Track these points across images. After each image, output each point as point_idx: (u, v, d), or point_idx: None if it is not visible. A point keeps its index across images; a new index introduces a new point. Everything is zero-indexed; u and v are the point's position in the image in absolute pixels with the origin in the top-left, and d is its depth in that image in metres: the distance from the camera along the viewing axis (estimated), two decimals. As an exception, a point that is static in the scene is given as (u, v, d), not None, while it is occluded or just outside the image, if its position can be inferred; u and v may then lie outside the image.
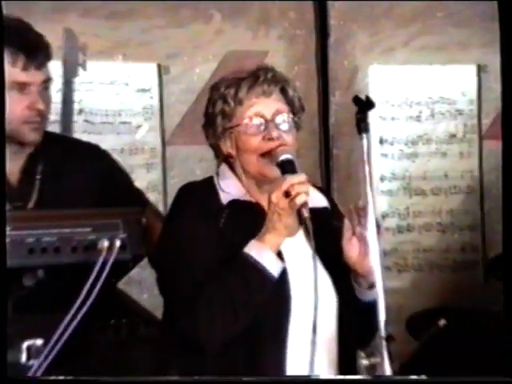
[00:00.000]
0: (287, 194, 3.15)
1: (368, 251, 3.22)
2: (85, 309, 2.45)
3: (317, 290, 3.24)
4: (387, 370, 3.08)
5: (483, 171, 5.71)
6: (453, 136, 5.66)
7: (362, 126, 3.15)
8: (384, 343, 3.08)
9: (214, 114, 3.45)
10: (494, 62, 5.59)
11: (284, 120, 3.40)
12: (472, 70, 5.73)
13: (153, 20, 5.08)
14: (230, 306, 3.23)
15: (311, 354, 3.25)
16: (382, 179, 5.27)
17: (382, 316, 3.11)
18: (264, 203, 3.34)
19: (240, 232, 3.31)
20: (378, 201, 3.34)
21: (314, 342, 3.22)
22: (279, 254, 3.31)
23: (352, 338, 3.54)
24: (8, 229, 2.39)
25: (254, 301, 3.28)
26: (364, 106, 3.16)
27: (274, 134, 3.34)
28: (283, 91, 3.48)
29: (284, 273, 3.32)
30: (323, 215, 3.49)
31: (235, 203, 3.42)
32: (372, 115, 3.23)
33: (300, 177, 3.22)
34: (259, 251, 3.26)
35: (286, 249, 3.35)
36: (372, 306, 3.23)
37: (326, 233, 3.38)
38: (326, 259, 3.44)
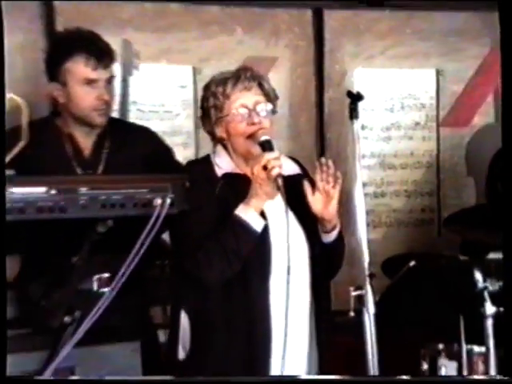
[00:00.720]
0: (265, 168, 3.29)
1: (330, 200, 3.39)
2: (142, 251, 2.50)
3: (289, 240, 3.36)
4: (370, 300, 3.23)
5: (440, 151, 5.79)
6: (417, 124, 5.69)
7: (353, 113, 3.34)
8: (367, 279, 3.24)
9: (208, 108, 3.56)
10: (449, 67, 5.73)
11: (262, 109, 3.50)
12: (432, 73, 5.76)
13: (189, 33, 5.12)
14: (224, 254, 3.34)
15: (286, 290, 3.37)
16: (363, 157, 5.28)
17: (366, 258, 3.26)
18: (250, 175, 3.42)
19: (231, 198, 3.41)
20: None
21: (288, 281, 3.34)
22: (262, 214, 3.40)
23: (321, 273, 3.66)
24: (85, 189, 2.43)
25: (242, 250, 3.38)
26: (355, 98, 3.32)
27: (256, 120, 3.46)
28: (260, 86, 3.57)
29: (266, 228, 3.43)
30: (297, 180, 3.56)
31: (227, 175, 3.52)
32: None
33: (275, 154, 3.35)
34: (245, 212, 3.37)
35: (267, 209, 3.44)
36: (333, 248, 3.56)
37: (299, 193, 3.50)
38: (299, 215, 3.55)
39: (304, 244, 3.58)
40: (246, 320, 3.47)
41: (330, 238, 3.52)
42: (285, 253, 3.42)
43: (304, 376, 3.57)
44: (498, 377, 3.09)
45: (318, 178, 3.42)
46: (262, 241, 3.44)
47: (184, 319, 3.50)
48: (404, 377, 3.19)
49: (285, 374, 3.47)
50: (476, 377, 3.48)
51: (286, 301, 3.43)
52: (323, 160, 3.46)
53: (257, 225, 3.39)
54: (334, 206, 3.43)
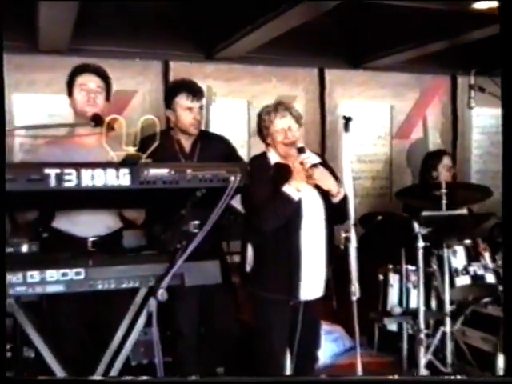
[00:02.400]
0: (301, 163, 3.34)
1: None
2: (221, 209, 2.48)
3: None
4: (353, 239, 3.27)
5: (392, 153, 5.80)
6: (379, 136, 5.71)
7: (346, 128, 3.34)
8: (352, 227, 3.28)
9: (261, 128, 3.58)
10: (397, 104, 5.72)
11: (294, 128, 3.51)
12: (388, 107, 5.77)
13: (244, 81, 5.17)
14: (275, 214, 3.35)
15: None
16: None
17: (352, 215, 3.29)
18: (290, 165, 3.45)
19: (279, 179, 3.41)
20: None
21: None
22: (298, 190, 3.39)
23: (334, 221, 3.62)
24: (189, 171, 2.42)
25: (285, 212, 3.37)
26: (347, 119, 3.33)
27: (289, 135, 3.48)
28: (291, 113, 3.53)
29: (300, 200, 3.43)
30: (318, 165, 3.51)
31: (277, 164, 3.51)
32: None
33: (307, 154, 3.39)
34: (288, 189, 3.36)
35: (303, 188, 3.44)
36: (339, 205, 3.48)
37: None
38: (320, 189, 3.52)
39: (321, 207, 3.55)
40: (286, 252, 3.48)
41: (335, 200, 3.50)
42: (310, 213, 3.50)
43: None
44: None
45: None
46: (297, 206, 3.44)
47: (249, 248, 3.55)
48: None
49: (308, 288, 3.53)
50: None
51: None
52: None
53: (295, 197, 3.39)
54: (334, 185, 3.46)
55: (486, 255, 4.33)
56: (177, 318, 3.79)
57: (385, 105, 5.74)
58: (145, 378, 2.80)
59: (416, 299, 3.87)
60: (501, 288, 4.27)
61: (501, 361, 3.91)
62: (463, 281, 4.21)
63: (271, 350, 3.60)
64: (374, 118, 5.68)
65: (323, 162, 3.70)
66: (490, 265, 4.29)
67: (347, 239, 3.29)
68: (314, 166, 3.45)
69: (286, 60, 5.27)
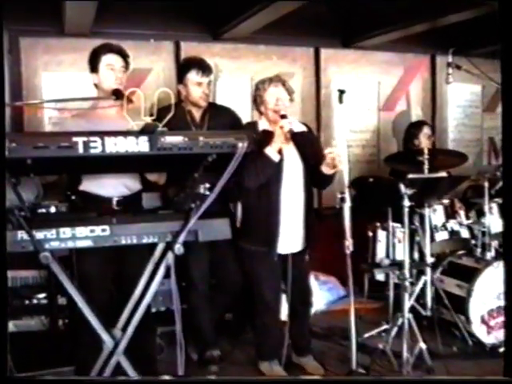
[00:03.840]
0: (281, 127, 3.32)
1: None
2: (230, 173, 2.47)
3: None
4: (348, 199, 3.27)
5: (380, 124, 5.76)
6: (369, 109, 5.67)
7: (340, 100, 3.37)
8: (347, 188, 3.28)
9: (256, 96, 3.59)
10: (384, 80, 5.65)
11: (284, 98, 3.53)
12: (376, 83, 5.68)
13: (247, 59, 5.11)
14: (256, 172, 3.35)
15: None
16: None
17: (346, 178, 3.29)
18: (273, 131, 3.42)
19: (264, 143, 3.37)
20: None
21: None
22: (280, 152, 3.40)
23: (318, 186, 3.79)
24: (201, 138, 2.40)
25: (265, 171, 3.37)
26: (341, 92, 3.32)
27: (280, 103, 3.48)
28: (284, 85, 3.53)
29: (281, 160, 3.42)
30: (303, 134, 3.58)
31: (263, 130, 3.51)
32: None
33: (287, 120, 3.37)
34: (269, 150, 3.36)
35: (285, 150, 3.46)
36: (330, 176, 3.49)
37: (304, 141, 3.55)
38: (301, 153, 3.55)
39: (301, 170, 3.57)
40: (267, 209, 3.50)
41: (330, 173, 3.47)
42: (291, 174, 3.51)
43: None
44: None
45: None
46: (278, 167, 3.44)
47: (239, 206, 3.58)
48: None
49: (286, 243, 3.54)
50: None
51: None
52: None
53: (275, 158, 3.39)
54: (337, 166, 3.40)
55: (461, 213, 4.37)
56: (190, 271, 3.81)
57: (373, 81, 5.67)
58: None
59: (401, 252, 3.86)
60: (473, 242, 4.30)
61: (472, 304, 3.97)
62: (442, 236, 4.25)
63: (263, 297, 3.64)
64: (364, 92, 5.62)
65: (309, 131, 3.73)
66: (465, 222, 4.36)
67: (342, 199, 3.30)
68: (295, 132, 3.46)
69: (286, 40, 5.20)
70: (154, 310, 3.89)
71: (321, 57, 5.44)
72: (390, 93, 5.74)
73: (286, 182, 3.51)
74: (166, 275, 2.58)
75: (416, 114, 5.81)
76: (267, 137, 3.44)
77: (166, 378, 2.85)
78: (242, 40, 5.01)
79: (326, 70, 5.45)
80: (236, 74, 5.10)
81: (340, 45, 5.49)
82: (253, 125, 3.64)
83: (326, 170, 3.47)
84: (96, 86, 3.35)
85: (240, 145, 2.46)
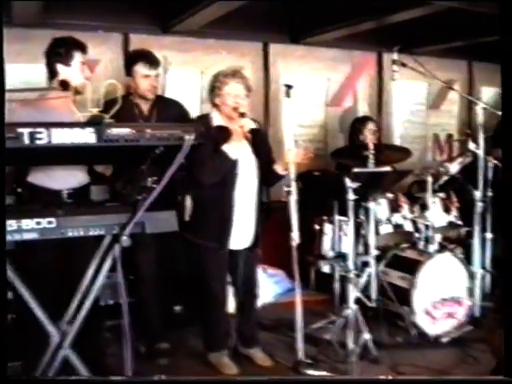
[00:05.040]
0: (241, 126, 3.34)
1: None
2: (177, 166, 2.46)
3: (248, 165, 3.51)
4: (293, 192, 3.29)
5: (327, 119, 5.82)
6: (317, 105, 5.74)
7: (287, 94, 3.37)
8: (293, 182, 3.30)
9: (214, 87, 3.54)
10: (333, 77, 5.70)
11: (243, 95, 3.50)
12: (324, 80, 5.77)
13: (197, 52, 5.10)
14: (213, 169, 3.35)
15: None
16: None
17: (292, 173, 3.30)
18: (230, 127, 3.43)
19: (220, 139, 3.38)
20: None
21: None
22: (237, 151, 3.40)
23: (267, 183, 3.74)
24: (148, 130, 2.35)
25: (222, 168, 3.38)
26: (288, 87, 3.33)
27: (238, 100, 3.46)
28: (245, 83, 3.51)
29: (237, 159, 3.42)
30: (255, 131, 3.56)
31: (219, 126, 3.48)
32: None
33: (247, 119, 3.42)
34: (227, 148, 3.36)
35: (240, 149, 3.45)
36: (279, 175, 3.55)
37: (257, 138, 3.54)
38: (255, 152, 3.54)
39: (255, 167, 3.57)
40: (221, 205, 3.49)
41: (283, 173, 3.51)
42: (245, 172, 3.50)
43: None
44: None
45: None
46: (234, 164, 3.44)
47: (188, 200, 3.54)
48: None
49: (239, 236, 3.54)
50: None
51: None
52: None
53: (232, 156, 3.39)
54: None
55: (405, 207, 4.45)
56: (138, 263, 3.78)
57: (321, 77, 5.73)
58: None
59: (346, 245, 3.92)
60: (417, 235, 4.38)
61: (416, 295, 4.03)
62: (386, 229, 4.33)
63: (210, 289, 3.64)
64: (312, 88, 5.68)
65: (260, 129, 3.72)
66: (408, 215, 4.43)
67: (288, 193, 3.33)
68: (251, 130, 3.50)
69: (235, 34, 5.21)
70: (102, 303, 3.84)
71: (269, 52, 5.49)
72: (338, 89, 5.82)
73: (240, 178, 3.51)
74: (114, 268, 2.55)
75: (363, 110, 5.91)
76: (223, 133, 3.44)
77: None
78: (191, 33, 4.99)
79: (275, 65, 5.49)
80: (185, 68, 5.09)
81: (289, 40, 5.54)
82: (205, 118, 3.59)
83: (279, 169, 3.52)
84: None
85: (187, 137, 2.44)
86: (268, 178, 3.63)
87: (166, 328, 3.96)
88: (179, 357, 3.83)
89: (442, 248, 4.36)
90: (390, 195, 4.38)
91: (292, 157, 3.40)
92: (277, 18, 5.30)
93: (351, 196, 3.66)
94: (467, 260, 4.36)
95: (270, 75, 5.47)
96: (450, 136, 5.31)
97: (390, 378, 3.25)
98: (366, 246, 4.22)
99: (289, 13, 5.36)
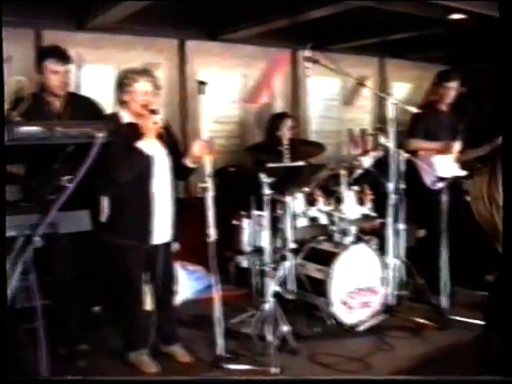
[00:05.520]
0: (155, 123, 3.33)
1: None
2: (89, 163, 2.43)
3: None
4: (211, 189, 3.30)
5: (244, 115, 5.85)
6: (233, 101, 5.77)
7: (201, 91, 3.36)
8: (209, 179, 3.31)
9: (123, 84, 3.49)
10: (249, 73, 5.70)
11: (152, 92, 3.48)
12: (239, 76, 5.80)
13: (112, 49, 5.00)
14: (129, 166, 3.32)
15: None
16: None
17: (208, 169, 3.30)
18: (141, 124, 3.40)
19: (132, 136, 3.36)
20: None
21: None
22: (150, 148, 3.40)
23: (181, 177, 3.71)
24: (59, 128, 2.31)
25: (138, 165, 3.37)
26: (201, 83, 3.33)
27: (148, 98, 3.44)
28: (153, 81, 3.49)
29: (151, 155, 3.40)
30: (167, 128, 3.53)
31: (129, 123, 3.45)
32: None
33: (160, 116, 3.37)
34: (141, 145, 3.36)
35: (153, 145, 3.44)
36: (192, 169, 3.51)
37: (166, 134, 3.51)
38: (168, 149, 3.53)
39: (168, 163, 3.55)
40: (140, 202, 3.45)
41: (193, 166, 3.51)
42: (159, 167, 3.48)
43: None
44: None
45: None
46: (149, 161, 3.42)
47: (105, 200, 3.46)
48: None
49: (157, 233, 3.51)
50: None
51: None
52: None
53: (147, 152, 3.37)
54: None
55: (321, 201, 4.53)
56: (54, 265, 3.70)
57: (237, 73, 5.76)
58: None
59: (264, 239, 3.96)
60: (333, 228, 4.46)
61: (332, 286, 4.10)
62: (302, 222, 4.40)
63: (131, 288, 3.60)
64: (229, 84, 5.70)
65: (167, 125, 3.68)
66: (324, 209, 4.51)
67: (204, 189, 3.33)
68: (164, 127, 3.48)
69: (151, 31, 5.18)
70: (18, 306, 3.72)
71: (186, 48, 5.47)
72: (254, 85, 5.84)
73: (156, 173, 3.48)
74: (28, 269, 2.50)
75: (279, 106, 5.97)
76: (134, 129, 3.40)
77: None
78: (106, 30, 4.92)
79: (192, 62, 5.48)
80: (100, 65, 5.01)
81: (205, 37, 5.54)
82: (115, 116, 3.52)
83: (188, 162, 3.52)
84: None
85: (98, 135, 2.41)
86: (179, 172, 3.62)
87: (84, 329, 3.89)
88: (99, 357, 3.77)
89: (358, 240, 4.46)
90: (306, 189, 4.45)
91: (197, 149, 3.44)
92: (193, 14, 5.29)
93: (267, 191, 3.70)
94: (382, 250, 4.47)
95: (187, 72, 5.45)
96: (363, 131, 5.44)
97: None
98: (284, 239, 4.27)
99: (205, 10, 5.36)
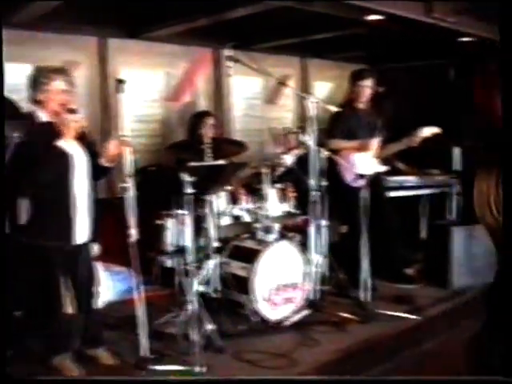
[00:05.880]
0: (75, 122, 3.25)
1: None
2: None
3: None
4: (132, 188, 3.25)
5: (166, 114, 5.80)
6: (155, 100, 5.70)
7: (120, 89, 3.31)
8: (129, 178, 3.26)
9: (38, 82, 3.40)
10: (172, 72, 5.66)
11: (68, 91, 3.41)
12: (162, 74, 5.76)
13: (31, 46, 4.85)
14: (50, 166, 3.24)
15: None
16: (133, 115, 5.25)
17: (128, 168, 3.26)
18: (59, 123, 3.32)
19: (50, 135, 3.26)
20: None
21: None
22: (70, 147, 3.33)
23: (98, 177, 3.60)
24: None
25: (60, 164, 3.31)
26: (120, 81, 3.30)
27: (65, 96, 3.37)
28: (69, 80, 3.43)
29: (72, 154, 3.34)
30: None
31: (47, 122, 3.36)
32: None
33: (79, 116, 3.31)
34: (62, 143, 3.28)
35: (72, 143, 3.37)
36: (108, 168, 3.50)
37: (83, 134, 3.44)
38: (87, 150, 3.47)
39: (86, 162, 3.49)
40: (61, 202, 3.38)
41: (108, 165, 3.47)
42: (79, 167, 3.42)
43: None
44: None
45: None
46: (70, 159, 3.35)
47: (23, 202, 3.31)
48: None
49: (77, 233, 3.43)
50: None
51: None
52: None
53: (68, 151, 3.31)
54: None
55: (244, 199, 4.56)
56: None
57: (160, 72, 5.71)
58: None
59: (187, 239, 3.94)
60: (256, 225, 4.50)
61: (256, 283, 4.13)
62: (226, 221, 4.42)
63: (55, 291, 3.51)
64: (151, 83, 5.64)
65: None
66: (247, 207, 4.54)
67: (124, 189, 3.29)
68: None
69: (72, 28, 5.06)
70: None
71: (107, 47, 5.38)
72: (177, 84, 5.83)
73: (76, 173, 3.41)
74: None
75: (201, 105, 5.96)
76: (51, 129, 3.31)
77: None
78: (25, 26, 4.76)
79: (113, 60, 5.39)
80: (18, 62, 4.80)
81: (127, 35, 5.46)
82: (31, 115, 3.41)
83: (104, 162, 3.47)
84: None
85: (13, 135, 2.35)
86: (95, 172, 3.55)
87: (6, 334, 3.76)
88: (22, 363, 3.66)
89: (281, 237, 4.50)
90: (228, 188, 4.47)
91: (111, 149, 3.41)
92: (114, 12, 5.20)
93: (188, 190, 3.68)
94: (305, 247, 4.52)
95: (108, 71, 5.36)
96: (285, 129, 5.50)
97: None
98: (208, 238, 4.27)
99: (127, 8, 5.28)
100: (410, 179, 5.89)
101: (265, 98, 6.53)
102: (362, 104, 5.07)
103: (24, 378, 2.77)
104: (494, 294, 1.57)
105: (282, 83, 4.86)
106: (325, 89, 7.12)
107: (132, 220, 3.32)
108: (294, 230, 4.97)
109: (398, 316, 4.35)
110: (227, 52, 4.10)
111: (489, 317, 1.58)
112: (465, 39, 5.42)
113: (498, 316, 1.57)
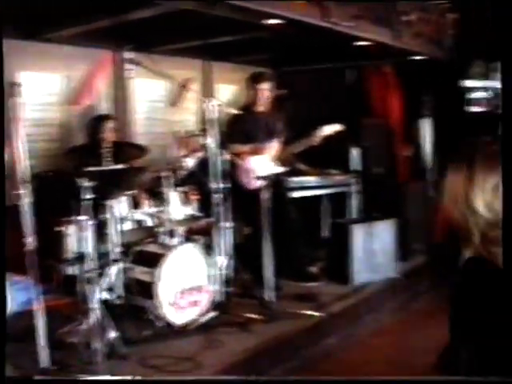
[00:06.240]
0: None
1: None
2: None
3: None
4: (26, 196, 3.13)
5: (65, 118, 5.61)
6: (53, 103, 5.50)
7: (15, 93, 3.19)
8: (24, 185, 3.13)
9: None
10: (72, 74, 5.53)
11: None
12: (61, 77, 5.61)
13: None
14: None
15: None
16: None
17: (24, 173, 3.13)
18: None
19: None
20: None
21: None
22: None
23: None
24: None
25: None
26: (15, 85, 3.18)
27: None
28: None
29: None
30: None
31: None
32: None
33: None
34: None
35: None
36: None
37: None
38: None
39: None
40: None
41: None
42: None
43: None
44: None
45: None
46: None
47: None
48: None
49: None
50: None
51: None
52: None
53: None
54: None
55: (146, 203, 4.52)
56: None
57: (58, 75, 5.53)
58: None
59: (88, 245, 3.86)
60: (159, 229, 4.46)
61: (160, 288, 4.09)
62: (128, 226, 4.36)
63: None
64: (49, 86, 5.45)
65: None
66: (149, 211, 4.51)
67: (19, 196, 3.18)
68: None
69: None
70: None
71: (1, 48, 5.12)
72: (76, 87, 5.67)
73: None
74: None
75: (102, 108, 5.83)
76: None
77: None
78: None
79: (9, 62, 5.14)
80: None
81: (23, 36, 5.24)
82: None
83: None
84: None
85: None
86: None
87: None
88: None
89: (184, 240, 4.49)
90: (130, 192, 4.41)
91: None
92: (8, 12, 5.00)
93: (87, 195, 3.61)
94: (210, 249, 4.53)
95: (5, 74, 5.11)
96: (188, 132, 5.48)
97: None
98: (110, 244, 4.20)
99: (22, 7, 5.10)
100: (311, 179, 5.99)
101: (168, 100, 6.47)
102: (262, 107, 5.14)
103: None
104: (460, 294, 1.58)
105: (183, 86, 4.82)
106: (229, 91, 7.15)
107: (28, 227, 3.21)
108: (198, 232, 4.96)
109: (302, 314, 4.44)
110: (127, 54, 4.03)
111: (455, 317, 1.60)
112: (361, 43, 5.58)
113: (465, 317, 1.58)
